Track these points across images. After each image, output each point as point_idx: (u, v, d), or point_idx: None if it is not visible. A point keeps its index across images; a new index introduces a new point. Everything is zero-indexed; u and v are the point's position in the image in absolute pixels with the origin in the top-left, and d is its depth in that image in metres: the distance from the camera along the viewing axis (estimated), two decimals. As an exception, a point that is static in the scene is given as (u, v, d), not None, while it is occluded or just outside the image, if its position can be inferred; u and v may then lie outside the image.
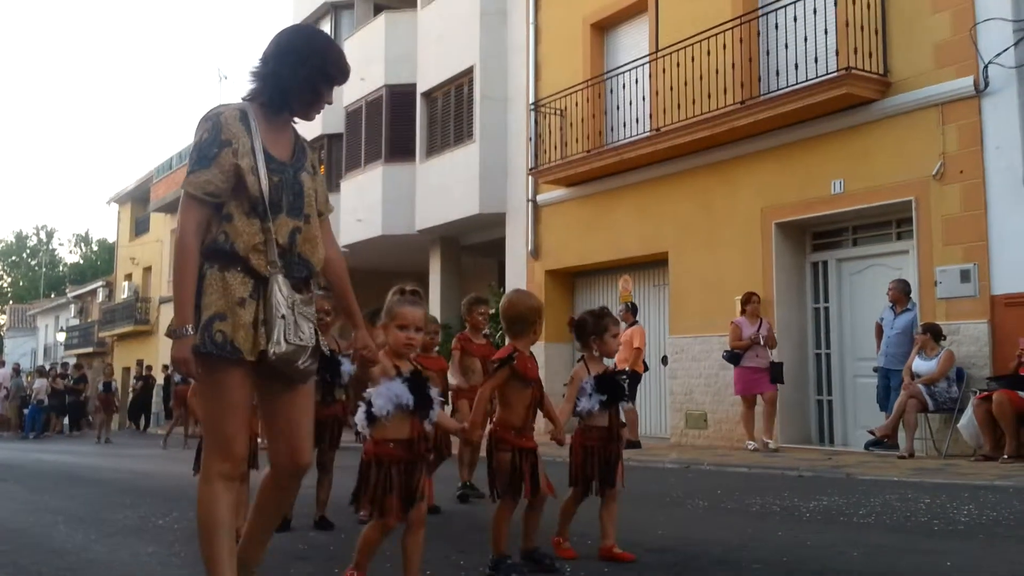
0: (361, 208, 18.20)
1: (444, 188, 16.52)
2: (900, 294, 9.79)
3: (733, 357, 10.71)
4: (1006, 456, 8.20)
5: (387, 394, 3.22)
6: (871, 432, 9.60)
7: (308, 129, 20.97)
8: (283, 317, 2.76)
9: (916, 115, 9.85)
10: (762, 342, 10.56)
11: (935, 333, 9.23)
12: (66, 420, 25.64)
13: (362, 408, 3.28)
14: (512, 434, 3.81)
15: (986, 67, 9.19)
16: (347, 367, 5.19)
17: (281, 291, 2.78)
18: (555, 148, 14.39)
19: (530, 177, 15.08)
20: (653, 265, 13.39)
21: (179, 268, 2.75)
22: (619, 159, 13.09)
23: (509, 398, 3.85)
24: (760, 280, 11.35)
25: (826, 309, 11.36)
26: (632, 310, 11.96)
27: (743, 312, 10.83)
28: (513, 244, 15.75)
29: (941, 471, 7.72)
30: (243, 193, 2.78)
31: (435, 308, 17.89)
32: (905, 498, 6.20)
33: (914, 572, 3.83)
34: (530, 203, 15.28)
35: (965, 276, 9.30)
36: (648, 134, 12.66)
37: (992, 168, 9.20)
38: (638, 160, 12.91)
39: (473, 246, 17.60)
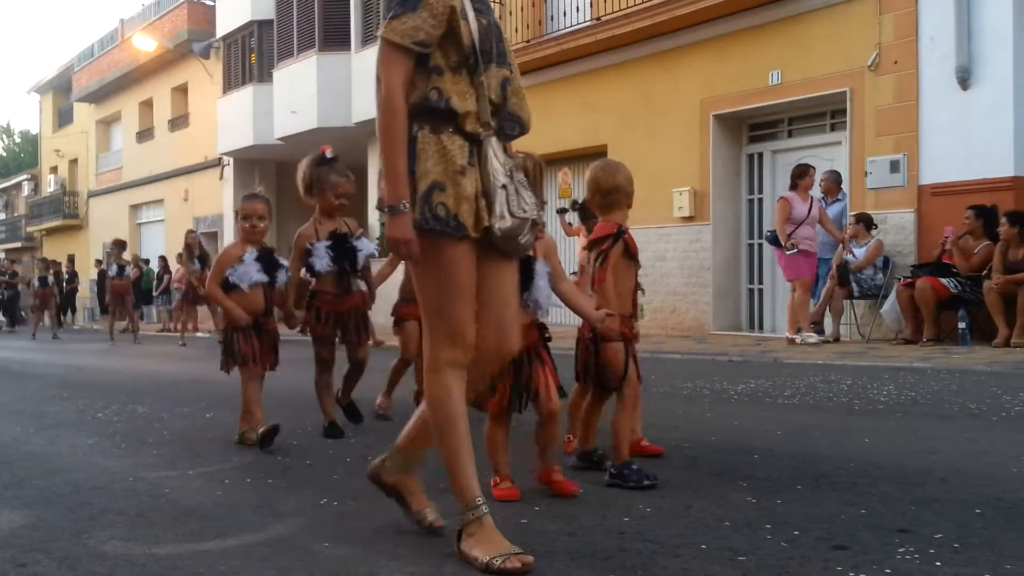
0: (295, 100, 17.71)
1: (381, 78, 16.10)
2: (832, 184, 10.00)
3: (776, 239, 9.44)
4: (925, 340, 8.59)
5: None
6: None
7: (236, 14, 20.15)
8: (503, 187, 2.41)
9: (854, 5, 9.85)
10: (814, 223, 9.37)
11: (867, 222, 9.48)
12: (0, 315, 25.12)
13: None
14: (620, 322, 3.36)
15: (925, -44, 9.19)
16: (365, 250, 4.83)
17: (497, 156, 2.42)
18: (494, 37, 14.07)
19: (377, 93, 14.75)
20: (592, 157, 13.30)
21: (387, 131, 2.37)
22: (559, 49, 12.89)
23: (615, 280, 3.40)
24: (698, 172, 11.45)
25: (760, 200, 11.55)
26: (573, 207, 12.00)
27: (794, 187, 9.45)
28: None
29: (864, 354, 8.07)
30: (451, 41, 2.40)
31: (372, 201, 17.69)
32: (828, 380, 6.49)
33: (834, 447, 4.05)
34: (469, 94, 15.01)
35: (895, 167, 9.52)
36: (589, 23, 12.46)
37: (926, 59, 9.31)
38: (578, 51, 12.74)
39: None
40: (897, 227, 9.59)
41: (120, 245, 15.83)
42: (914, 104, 9.39)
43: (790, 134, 11.31)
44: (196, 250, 14.19)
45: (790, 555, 2.42)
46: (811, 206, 9.31)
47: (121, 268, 15.42)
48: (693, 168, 11.48)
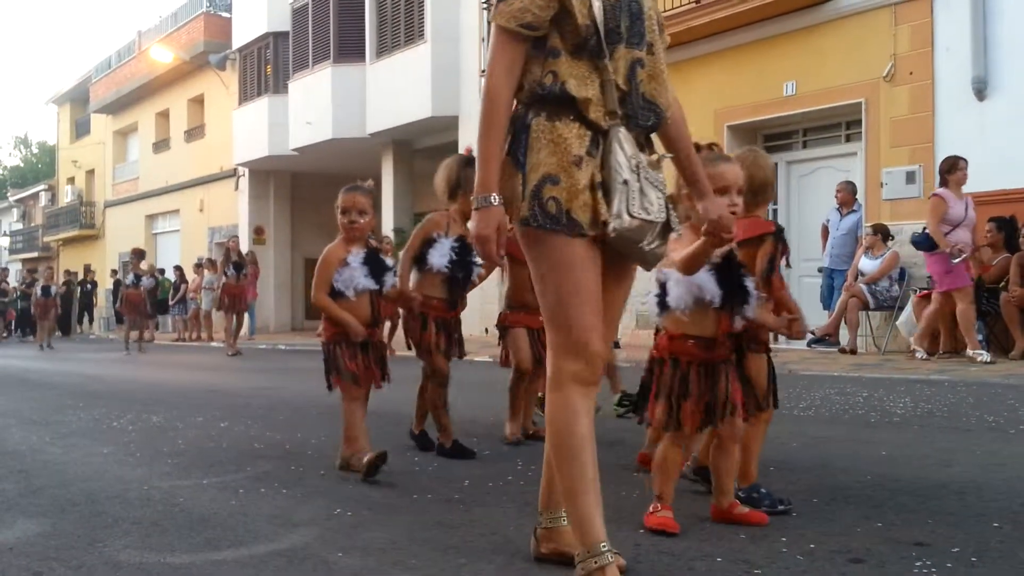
0: (310, 111, 17.80)
1: (395, 90, 16.19)
2: (847, 196, 9.96)
3: (927, 241, 8.25)
4: (941, 352, 8.52)
5: (686, 284, 2.73)
6: (811, 332, 9.88)
7: (252, 27, 20.30)
8: (625, 183, 2.15)
9: (869, 16, 9.83)
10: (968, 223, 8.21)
11: (884, 233, 9.44)
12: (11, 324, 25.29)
13: (653, 294, 2.85)
14: (765, 332, 3.08)
15: (940, -33, 9.17)
16: (477, 268, 4.43)
17: (623, 149, 2.17)
18: (508, 48, 14.10)
19: (483, 79, 14.78)
20: (606, 168, 13.38)
21: (483, 118, 2.18)
22: (573, 60, 12.90)
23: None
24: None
25: (775, 211, 11.50)
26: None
27: (944, 183, 8.30)
28: (466, 146, 15.53)
29: (879, 366, 8.02)
30: (567, 21, 2.18)
31: (387, 213, 17.77)
32: (844, 392, 6.45)
33: (850, 460, 4.02)
34: (483, 105, 15.04)
35: (910, 178, 9.47)
36: (602, 34, 12.47)
37: (941, 70, 9.27)
38: (592, 61, 12.74)
39: (426, 149, 17.37)
40: (912, 240, 9.52)
41: (139, 255, 15.88)
42: (930, 115, 9.34)
43: (805, 145, 11.27)
44: (234, 256, 13.74)
45: (806, 568, 2.40)
46: (967, 206, 8.20)
47: (137, 278, 15.47)
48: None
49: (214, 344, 17.92)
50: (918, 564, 2.40)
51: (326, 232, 22.67)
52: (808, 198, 11.08)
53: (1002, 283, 8.46)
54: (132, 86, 27.01)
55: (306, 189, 21.52)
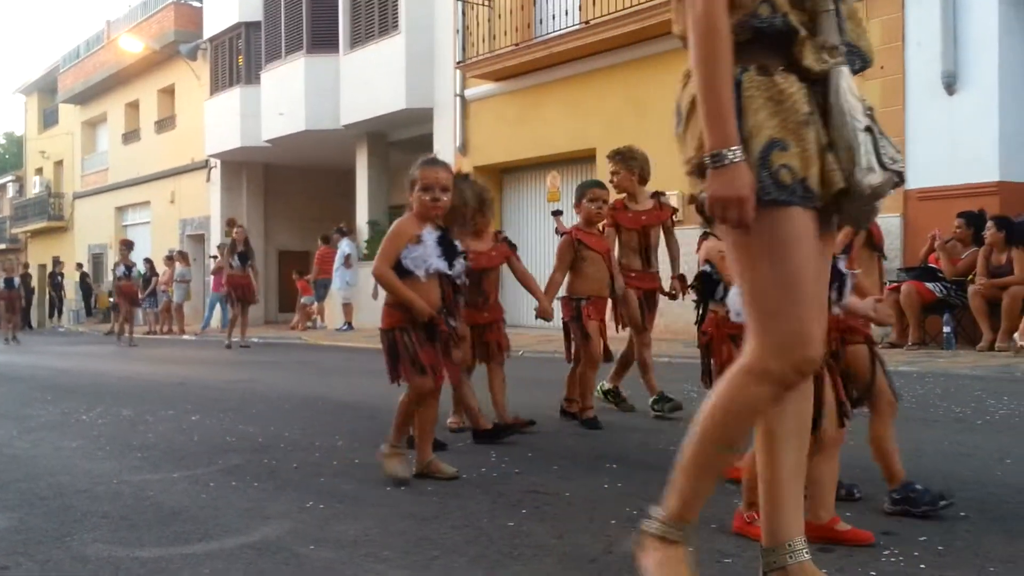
0: (283, 101, 17.66)
1: (369, 81, 16.10)
2: (819, 189, 10.02)
3: None
4: (911, 343, 8.63)
5: None
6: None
7: (224, 16, 20.10)
8: (868, 129, 1.82)
9: (841, 10, 9.89)
10: None
11: (853, 227, 9.52)
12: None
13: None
14: (862, 322, 2.88)
15: (911, -38, 9.25)
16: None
17: (852, 90, 1.83)
18: (483, 41, 14.08)
19: (457, 71, 14.78)
20: (581, 161, 13.40)
21: (708, 59, 1.81)
22: (548, 52, 12.90)
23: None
24: (685, 178, 11.45)
25: (748, 204, 11.59)
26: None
27: None
28: (441, 140, 15.53)
29: (850, 358, 8.07)
30: None
31: (361, 206, 17.70)
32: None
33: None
34: (458, 98, 15.03)
35: (881, 171, 9.55)
36: (578, 27, 12.47)
37: (912, 64, 9.36)
38: (567, 54, 12.75)
39: (400, 142, 17.31)
40: (884, 231, 9.57)
41: (128, 245, 15.67)
42: (900, 109, 9.43)
43: (777, 138, 11.34)
44: (240, 246, 13.03)
45: (776, 557, 2.42)
46: None
47: (128, 269, 15.27)
48: (681, 174, 11.45)
49: (185, 337, 17.77)
50: (885, 553, 2.43)
51: (299, 224, 22.49)
52: (780, 191, 11.16)
53: (969, 276, 8.58)
54: (101, 76, 26.65)
55: (279, 181, 21.38)
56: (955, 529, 2.68)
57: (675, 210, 5.52)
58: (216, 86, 20.72)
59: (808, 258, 1.84)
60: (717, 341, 3.30)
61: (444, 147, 15.42)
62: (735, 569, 2.33)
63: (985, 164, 8.83)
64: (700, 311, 3.41)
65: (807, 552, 1.98)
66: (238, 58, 20.02)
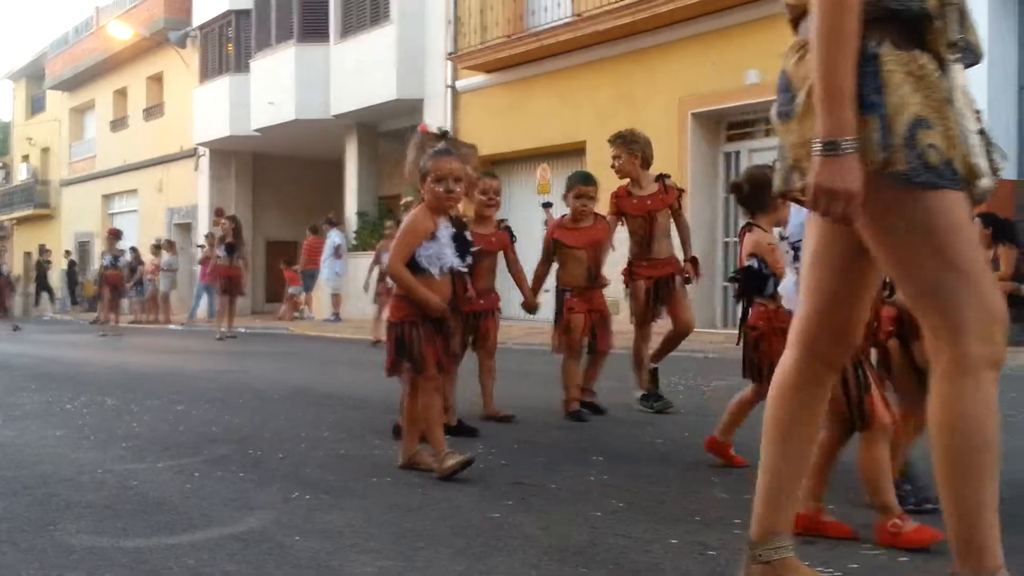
0: (273, 91, 17.58)
1: (360, 71, 16.04)
2: (808, 184, 10.06)
3: None
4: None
5: None
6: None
7: (214, 4, 19.97)
8: (981, 132, 1.78)
9: (832, 6, 9.91)
10: None
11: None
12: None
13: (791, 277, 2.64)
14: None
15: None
16: None
17: (965, 91, 1.79)
18: (475, 32, 14.05)
19: (449, 62, 14.75)
20: (571, 154, 13.39)
21: (831, 33, 1.67)
22: (539, 45, 12.89)
23: None
24: (675, 169, 11.41)
25: (728, 199, 11.62)
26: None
27: None
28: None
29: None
30: None
31: (351, 197, 17.65)
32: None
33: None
34: (449, 89, 15.00)
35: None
36: (570, 19, 12.46)
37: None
38: (559, 46, 12.74)
39: (391, 132, 17.26)
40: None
41: (115, 235, 15.57)
42: (889, 105, 9.46)
43: (767, 133, 11.35)
44: (228, 237, 12.72)
45: (759, 551, 2.44)
46: None
47: (115, 259, 15.19)
48: (671, 166, 11.44)
49: (171, 327, 17.70)
50: (866, 546, 2.46)
51: (288, 214, 22.39)
52: (769, 186, 11.19)
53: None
54: (89, 63, 26.46)
55: (268, 171, 21.30)
56: (935, 523, 2.70)
57: (681, 191, 5.34)
58: (205, 74, 20.61)
59: (971, 241, 1.75)
60: (769, 336, 3.30)
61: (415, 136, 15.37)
62: (719, 561, 2.34)
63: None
64: (744, 306, 3.41)
65: (792, 548, 1.97)
66: (227, 46, 19.90)
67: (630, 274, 5.20)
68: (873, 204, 1.71)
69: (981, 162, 1.74)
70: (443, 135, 3.67)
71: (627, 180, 5.23)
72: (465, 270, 3.55)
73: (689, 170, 11.44)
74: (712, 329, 11.38)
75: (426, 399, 3.45)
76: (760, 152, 11.33)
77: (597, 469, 3.53)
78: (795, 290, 2.53)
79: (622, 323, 12.18)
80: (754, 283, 3.32)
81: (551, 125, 13.28)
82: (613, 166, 5.24)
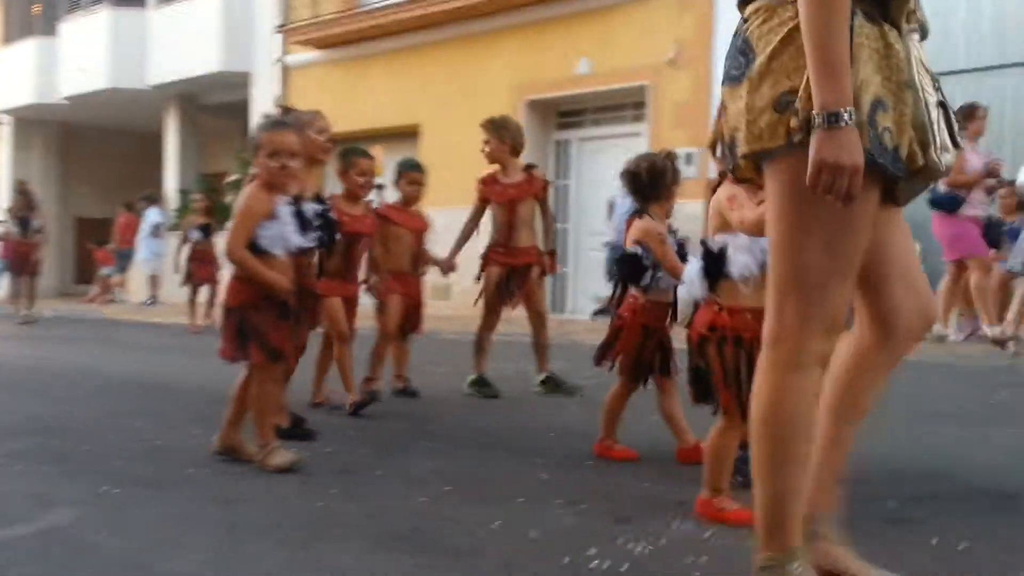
0: (84, 56, 16.44)
1: (181, 40, 15.25)
2: (633, 174, 10.46)
3: (951, 202, 7.05)
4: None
5: (755, 249, 2.50)
6: (597, 301, 10.37)
7: (18, -40, 18.42)
8: (941, 104, 1.73)
9: (657, 1, 10.31)
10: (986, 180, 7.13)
11: (665, 211, 10.02)
12: None
13: (696, 264, 2.67)
14: None
15: (720, -39, 9.77)
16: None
17: (924, 62, 1.74)
18: (306, 6, 13.67)
19: (279, 36, 14.28)
20: (406, 136, 13.29)
21: (827, 2, 1.59)
22: (374, 23, 12.69)
23: None
24: (507, 155, 11.65)
25: (565, 186, 11.91)
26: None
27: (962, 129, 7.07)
28: (259, 107, 14.91)
29: (656, 337, 8.50)
30: None
31: (171, 172, 16.82)
32: (623, 360, 6.80)
33: (626, 425, 4.26)
34: (278, 64, 14.53)
35: (689, 159, 10.06)
36: (405, 0, 12.35)
37: (721, 57, 9.82)
38: (394, 26, 12.59)
39: (214, 106, 16.54)
40: (689, 217, 10.11)
41: None
42: (708, 101, 9.95)
43: (596, 123, 11.71)
44: (22, 210, 11.58)
45: (576, 528, 2.54)
46: (987, 161, 7.07)
47: None
48: (503, 151, 11.66)
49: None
50: (675, 521, 2.59)
51: (101, 190, 21.03)
52: (597, 175, 11.52)
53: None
54: None
55: (79, 143, 19.88)
56: (741, 497, 2.89)
57: (547, 183, 5.40)
58: (8, 36, 19.03)
59: (865, 238, 1.74)
60: (630, 329, 3.36)
61: (262, 115, 14.87)
62: (538, 541, 2.41)
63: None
64: (617, 292, 3.40)
65: (832, 526, 1.96)
66: (35, 7, 18.45)
67: (485, 261, 5.21)
68: (802, 167, 1.63)
69: (941, 136, 1.71)
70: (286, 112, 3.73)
71: (495, 167, 5.27)
72: (310, 245, 3.43)
73: (522, 157, 11.62)
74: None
75: (262, 388, 3.28)
76: (589, 141, 11.66)
77: (424, 455, 3.54)
78: (700, 278, 2.65)
79: (456, 308, 12.26)
80: (632, 271, 3.34)
81: (386, 107, 13.13)
82: (483, 150, 5.24)
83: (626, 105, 11.22)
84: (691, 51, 10.08)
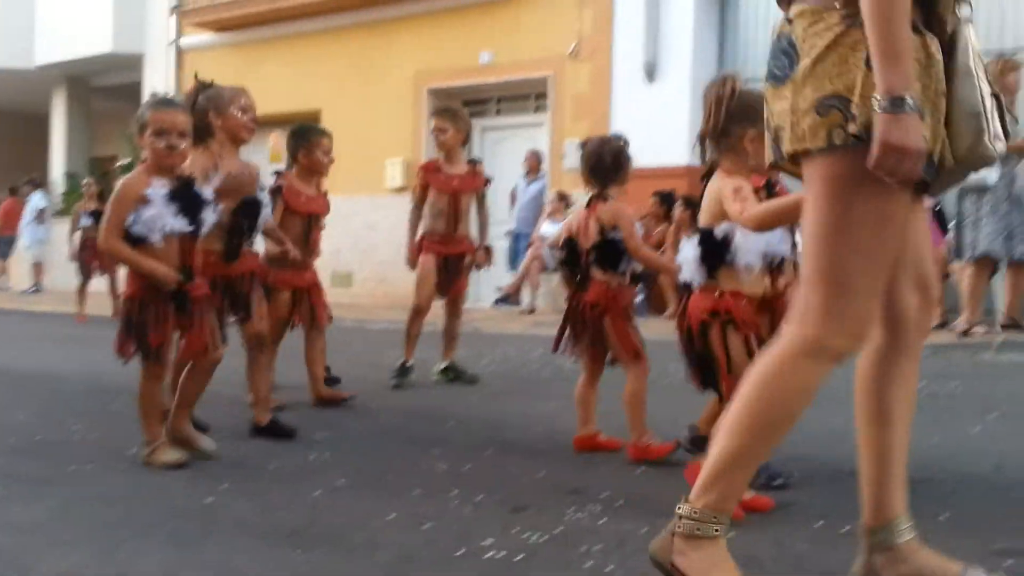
0: (-38, 32, 15.56)
1: (70, 19, 14.59)
2: (534, 163, 10.58)
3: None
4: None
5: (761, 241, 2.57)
6: (499, 290, 10.42)
7: None
8: (994, 95, 1.76)
9: (559, -6, 10.40)
10: None
11: (566, 200, 10.14)
12: None
13: (693, 249, 2.67)
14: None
15: (621, -44, 9.93)
16: (266, 208, 3.82)
17: (978, 51, 1.77)
18: (202, -13, 13.26)
19: (174, 17, 13.80)
20: (305, 122, 13.06)
21: None
22: (272, 7, 12.40)
23: None
24: (411, 143, 11.56)
25: (469, 176, 11.90)
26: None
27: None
28: (151, 89, 14.39)
29: (555, 324, 8.54)
30: None
31: (58, 156, 16.11)
32: (522, 350, 6.88)
33: (522, 414, 4.32)
34: (173, 46, 14.05)
35: (590, 151, 10.22)
36: (304, -17, 12.11)
37: (619, 52, 10.05)
38: (294, 11, 12.33)
39: (105, 88, 15.89)
40: (590, 207, 10.31)
41: None
42: (607, 92, 10.11)
43: (499, 112, 11.73)
44: None
45: (472, 518, 2.55)
46: None
47: None
48: (406, 140, 11.57)
49: None
50: (571, 509, 2.63)
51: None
52: (500, 164, 11.53)
53: (661, 250, 9.41)
54: None
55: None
56: (632, 484, 2.97)
57: (488, 180, 5.40)
58: None
59: (898, 235, 1.78)
60: (614, 314, 3.33)
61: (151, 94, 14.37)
62: (433, 533, 2.42)
63: (677, 149, 9.69)
64: (581, 277, 3.37)
65: (912, 530, 1.92)
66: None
67: (419, 249, 5.14)
68: (840, 167, 1.71)
69: (994, 124, 1.75)
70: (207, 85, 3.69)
71: (437, 156, 5.22)
72: (195, 231, 3.16)
73: (424, 145, 11.56)
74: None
75: (145, 385, 3.13)
76: (492, 131, 11.68)
77: (320, 447, 3.50)
78: (698, 263, 2.66)
79: (356, 296, 12.15)
80: (611, 256, 3.33)
81: (285, 92, 12.81)
82: (438, 138, 5.18)
83: (528, 96, 11.28)
84: (591, 44, 10.21)
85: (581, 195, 10.27)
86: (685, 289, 2.78)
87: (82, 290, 9.71)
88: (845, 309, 1.76)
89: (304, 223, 4.32)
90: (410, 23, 11.62)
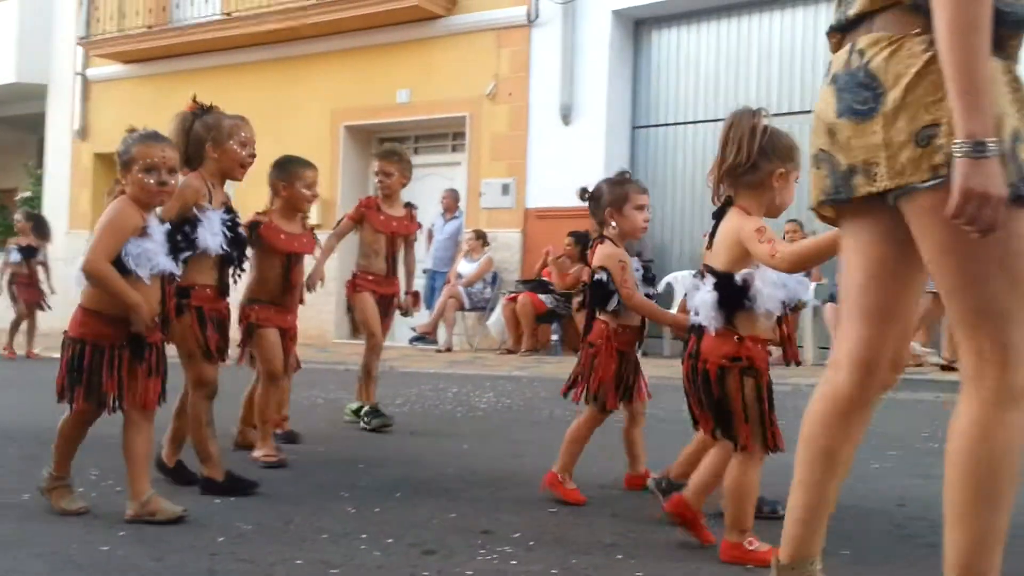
0: None
1: (-30, 47, 14.09)
2: (451, 202, 10.61)
3: None
4: (524, 350, 9.39)
5: (782, 285, 2.49)
6: (414, 329, 10.37)
7: None
8: None
9: (476, 36, 10.52)
10: None
11: (483, 239, 10.18)
12: None
13: (706, 290, 2.56)
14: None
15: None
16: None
17: None
18: (111, 18, 12.97)
19: (79, 48, 13.46)
20: (217, 157, 12.85)
21: (971, 28, 1.57)
22: (185, 40, 12.22)
23: None
24: (328, 181, 11.44)
25: (386, 213, 11.85)
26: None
27: None
28: (56, 120, 14.02)
29: (470, 363, 8.61)
30: None
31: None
32: (437, 388, 6.85)
33: (435, 454, 4.27)
34: (79, 77, 13.68)
35: (505, 189, 10.31)
36: (218, 17, 11.96)
37: (535, 94, 10.20)
38: (206, 44, 12.17)
39: (8, 118, 15.36)
40: (505, 245, 10.38)
41: None
42: (524, 134, 10.24)
43: (416, 151, 11.74)
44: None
45: (381, 563, 2.50)
46: None
47: None
48: (322, 177, 11.32)
49: None
50: (482, 551, 2.61)
51: None
52: (417, 202, 11.35)
53: (576, 289, 9.52)
54: None
55: None
56: (545, 524, 2.96)
57: (420, 225, 5.39)
58: None
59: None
60: (605, 355, 3.28)
61: (59, 129, 13.94)
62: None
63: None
64: (588, 320, 3.34)
65: (822, 571, 1.96)
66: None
67: (354, 285, 5.03)
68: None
69: None
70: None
71: (375, 195, 5.23)
72: (176, 274, 3.07)
73: (340, 182, 11.50)
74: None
75: (70, 422, 2.98)
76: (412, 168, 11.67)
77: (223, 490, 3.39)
78: (715, 307, 2.57)
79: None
80: (599, 296, 3.31)
81: (196, 125, 12.63)
82: (382, 181, 5.12)
83: (446, 135, 11.34)
84: (508, 85, 10.34)
85: (498, 233, 10.40)
86: (695, 331, 2.66)
87: (14, 329, 9.69)
88: (1017, 340, 1.67)
89: (283, 262, 4.10)
90: (327, 59, 11.59)
